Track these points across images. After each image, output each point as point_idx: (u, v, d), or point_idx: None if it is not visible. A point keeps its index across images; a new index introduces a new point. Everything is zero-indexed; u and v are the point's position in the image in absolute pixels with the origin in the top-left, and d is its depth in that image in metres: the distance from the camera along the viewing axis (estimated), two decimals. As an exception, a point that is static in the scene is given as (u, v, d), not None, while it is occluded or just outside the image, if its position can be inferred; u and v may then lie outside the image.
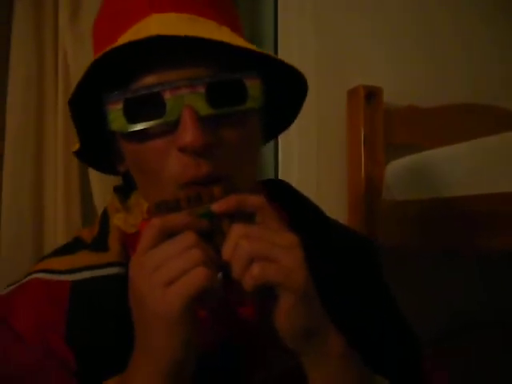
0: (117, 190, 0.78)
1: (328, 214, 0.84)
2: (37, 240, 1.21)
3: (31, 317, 0.64)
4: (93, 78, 0.61)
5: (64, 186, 1.21)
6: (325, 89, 1.36)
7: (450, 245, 1.17)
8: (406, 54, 1.51)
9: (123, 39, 0.59)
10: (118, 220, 0.73)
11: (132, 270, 0.54)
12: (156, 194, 0.62)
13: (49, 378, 0.61)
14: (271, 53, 0.64)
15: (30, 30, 1.23)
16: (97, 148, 0.73)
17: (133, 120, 0.60)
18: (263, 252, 0.53)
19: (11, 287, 0.69)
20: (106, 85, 0.62)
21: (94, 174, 1.21)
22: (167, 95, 0.58)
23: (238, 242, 0.53)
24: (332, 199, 1.35)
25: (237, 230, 0.54)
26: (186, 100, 0.59)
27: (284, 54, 1.39)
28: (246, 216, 0.57)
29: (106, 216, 0.75)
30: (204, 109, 0.59)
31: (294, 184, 0.85)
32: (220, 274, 0.55)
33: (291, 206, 0.80)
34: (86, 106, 0.65)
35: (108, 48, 0.58)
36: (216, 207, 0.56)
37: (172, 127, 0.60)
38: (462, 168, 1.13)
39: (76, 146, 0.73)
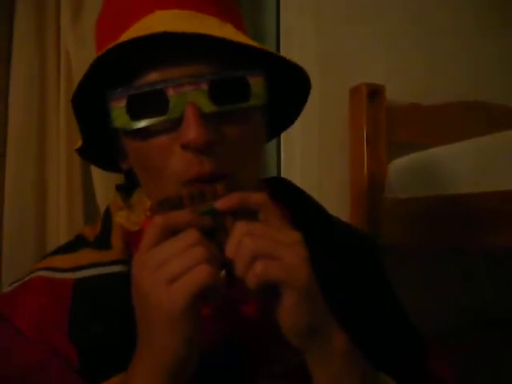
0: (119, 187, 0.78)
1: (330, 211, 0.84)
2: (39, 239, 1.21)
3: (34, 314, 0.64)
4: (96, 76, 0.61)
5: (66, 185, 1.21)
6: (327, 87, 1.35)
7: (452, 242, 1.17)
8: (407, 52, 1.51)
9: (126, 36, 0.59)
10: (120, 218, 0.73)
11: (135, 268, 0.54)
12: (159, 192, 0.62)
13: (50, 377, 0.61)
14: (274, 50, 0.64)
15: (32, 29, 1.23)
16: (99, 145, 0.73)
17: (136, 117, 0.60)
18: (266, 250, 0.53)
19: (14, 285, 0.69)
20: (109, 82, 0.61)
21: (96, 172, 1.21)
22: (170, 92, 0.58)
23: (241, 240, 0.53)
24: (334, 197, 1.35)
25: (240, 228, 0.54)
26: (190, 97, 0.58)
27: (286, 53, 1.38)
28: (249, 213, 0.57)
29: (108, 214, 0.75)
30: (207, 106, 0.59)
31: (297, 182, 0.85)
32: (223, 272, 0.55)
33: (294, 203, 0.80)
34: (88, 104, 0.65)
35: (111, 45, 0.57)
36: (219, 205, 0.56)
37: (175, 124, 0.60)
38: (464, 166, 1.13)
39: (78, 144, 0.73)
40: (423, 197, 1.22)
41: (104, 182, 1.19)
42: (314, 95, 0.73)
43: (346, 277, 0.74)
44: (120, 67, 0.61)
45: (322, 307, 0.57)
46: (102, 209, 0.80)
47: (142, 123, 0.60)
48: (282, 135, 1.30)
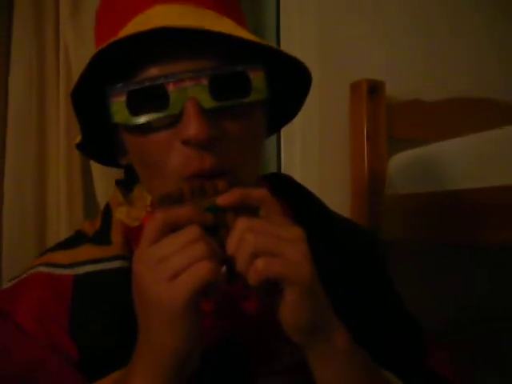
0: (119, 183, 0.78)
1: (330, 207, 0.84)
2: (40, 236, 1.21)
3: (34, 310, 0.64)
4: (95, 71, 0.60)
5: (66, 180, 1.20)
6: (327, 83, 1.35)
7: (453, 238, 1.17)
8: (407, 48, 1.50)
9: (126, 31, 0.58)
10: (120, 214, 0.73)
11: (135, 264, 0.54)
12: (159, 187, 0.62)
13: (50, 373, 0.61)
14: (274, 45, 0.64)
15: (31, 25, 1.23)
16: (99, 141, 0.72)
17: (136, 112, 0.59)
18: (268, 246, 0.52)
19: (13, 281, 0.69)
20: (109, 77, 0.61)
21: (96, 167, 1.20)
22: (170, 87, 0.58)
23: (242, 236, 0.53)
24: (335, 193, 1.35)
25: (241, 224, 0.54)
26: (190, 92, 0.58)
27: (286, 49, 1.37)
28: (250, 210, 0.56)
29: (108, 210, 0.75)
30: (208, 101, 0.59)
31: (297, 178, 0.85)
32: (224, 268, 0.55)
33: (294, 199, 0.79)
34: (88, 99, 0.64)
35: (111, 40, 0.57)
36: (220, 200, 0.56)
37: (175, 120, 0.59)
38: (465, 161, 1.13)
39: (78, 139, 0.72)
40: (423, 192, 1.22)
41: (104, 178, 1.19)
42: (314, 91, 0.73)
43: (346, 273, 0.74)
44: (119, 62, 0.61)
45: (324, 304, 0.57)
46: (102, 204, 0.80)
47: (142, 119, 0.59)
48: (282, 131, 1.30)
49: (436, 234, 1.20)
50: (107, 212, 0.75)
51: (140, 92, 0.59)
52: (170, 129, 0.60)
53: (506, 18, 1.67)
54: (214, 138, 0.58)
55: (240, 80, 0.60)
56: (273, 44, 0.63)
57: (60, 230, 1.20)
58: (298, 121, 0.81)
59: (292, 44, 1.39)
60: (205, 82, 0.58)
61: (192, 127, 0.57)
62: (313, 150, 1.36)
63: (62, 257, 0.69)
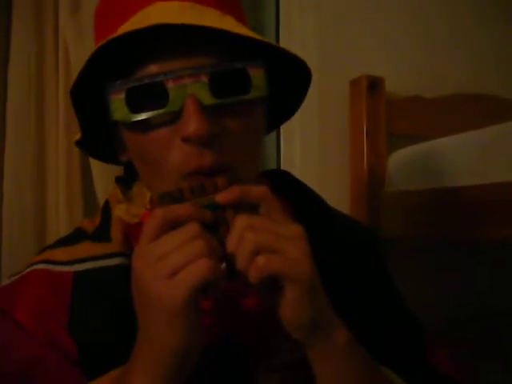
0: (118, 180, 0.78)
1: (330, 204, 0.84)
2: (39, 234, 1.21)
3: (33, 307, 0.64)
4: (94, 68, 0.60)
5: (66, 177, 1.21)
6: (327, 79, 1.35)
7: (453, 235, 1.17)
8: (407, 45, 1.50)
9: (125, 28, 0.58)
10: (119, 211, 0.73)
11: (135, 261, 0.54)
12: (159, 185, 0.62)
13: (49, 370, 0.61)
14: (274, 42, 0.63)
15: (30, 23, 1.23)
16: (98, 138, 0.72)
17: (135, 110, 0.59)
18: (268, 243, 0.52)
19: (13, 278, 0.69)
20: (108, 74, 0.61)
21: (95, 165, 1.20)
22: (170, 84, 0.58)
23: (242, 234, 0.53)
24: (334, 190, 1.35)
25: (241, 221, 0.54)
26: (189, 89, 0.58)
27: (286, 45, 1.38)
28: (250, 207, 0.56)
29: (107, 207, 0.75)
30: (207, 98, 0.58)
31: (296, 175, 0.85)
32: (223, 265, 0.54)
33: (294, 196, 0.79)
34: (87, 96, 0.64)
35: (110, 37, 0.57)
36: (220, 198, 0.55)
37: (175, 117, 0.59)
38: (465, 157, 1.13)
39: (77, 136, 0.72)
40: (424, 189, 1.22)
41: (103, 175, 1.19)
42: (313, 87, 0.72)
43: (346, 270, 0.74)
44: (119, 59, 0.60)
45: (324, 301, 0.57)
46: (102, 201, 0.80)
47: (142, 116, 0.59)
48: (282, 127, 1.30)
49: (436, 231, 1.20)
50: (106, 209, 0.75)
51: (139, 89, 0.59)
52: (170, 126, 0.60)
53: (504, 16, 1.67)
54: (214, 135, 0.58)
55: (240, 77, 0.60)
56: (272, 41, 0.62)
57: (60, 227, 1.21)
58: (297, 117, 0.81)
59: (291, 40, 1.39)
60: (204, 79, 0.58)
61: (192, 124, 0.57)
62: (312, 147, 1.36)
63: (61, 254, 0.69)
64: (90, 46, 0.70)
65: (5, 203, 1.19)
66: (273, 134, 1.39)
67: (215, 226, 0.56)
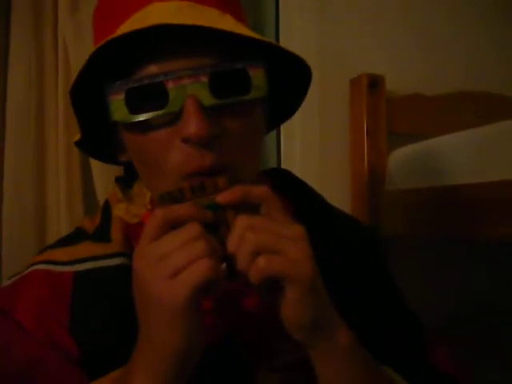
0: (118, 179, 0.78)
1: (331, 203, 0.84)
2: (40, 234, 1.21)
3: (33, 308, 0.64)
4: (94, 69, 0.60)
5: (66, 179, 1.20)
6: (327, 78, 1.35)
7: (453, 233, 1.17)
8: (407, 43, 1.50)
9: (124, 29, 0.58)
10: (119, 210, 0.73)
11: (136, 261, 0.54)
12: (159, 185, 0.61)
13: (49, 371, 0.61)
14: (274, 42, 0.63)
15: (30, 24, 1.22)
16: (98, 138, 0.72)
17: (135, 111, 0.59)
18: (269, 244, 0.52)
19: (13, 278, 0.69)
20: (108, 75, 0.61)
21: (95, 164, 1.20)
22: (170, 85, 0.57)
23: (243, 234, 0.53)
24: (335, 188, 1.35)
25: (242, 222, 0.54)
26: (189, 90, 0.58)
27: (286, 44, 1.38)
28: (250, 207, 0.56)
29: (107, 206, 0.75)
30: (207, 99, 0.58)
31: (297, 173, 0.85)
32: (224, 265, 0.54)
33: (295, 195, 0.79)
34: (87, 97, 0.64)
35: (108, 38, 0.57)
36: (221, 198, 0.55)
37: (175, 117, 0.59)
38: (465, 156, 1.12)
39: (77, 137, 0.72)
40: (424, 187, 1.22)
41: (103, 175, 1.19)
42: (313, 86, 0.72)
43: (347, 269, 0.74)
44: (118, 60, 0.60)
45: (326, 301, 0.57)
46: (102, 201, 0.80)
47: (141, 117, 0.59)
48: (282, 126, 1.30)
49: (436, 229, 1.20)
50: (106, 209, 0.75)
51: (139, 90, 0.58)
52: (170, 127, 0.59)
53: (504, 14, 1.66)
54: (214, 135, 0.58)
55: (240, 77, 0.60)
56: (272, 39, 0.62)
57: (60, 227, 1.20)
58: (297, 116, 0.80)
59: (291, 39, 1.38)
60: (204, 79, 0.58)
61: (192, 125, 0.56)
62: (313, 146, 1.36)
63: (61, 254, 0.69)
64: (89, 45, 0.70)
65: (5, 203, 1.19)
66: (273, 133, 1.38)
67: (216, 226, 0.56)
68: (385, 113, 1.34)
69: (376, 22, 1.46)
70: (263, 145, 0.70)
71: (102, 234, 0.71)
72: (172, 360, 0.52)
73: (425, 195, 1.21)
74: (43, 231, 1.22)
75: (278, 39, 1.42)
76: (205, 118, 0.57)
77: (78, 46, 1.20)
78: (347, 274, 0.73)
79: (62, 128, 1.20)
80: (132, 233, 0.70)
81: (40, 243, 1.18)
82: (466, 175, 1.10)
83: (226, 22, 0.61)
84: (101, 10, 0.67)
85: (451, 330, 1.41)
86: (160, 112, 0.58)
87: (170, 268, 0.50)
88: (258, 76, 0.61)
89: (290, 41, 1.38)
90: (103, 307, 0.64)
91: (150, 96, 0.58)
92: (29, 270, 0.68)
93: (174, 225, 0.53)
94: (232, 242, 0.53)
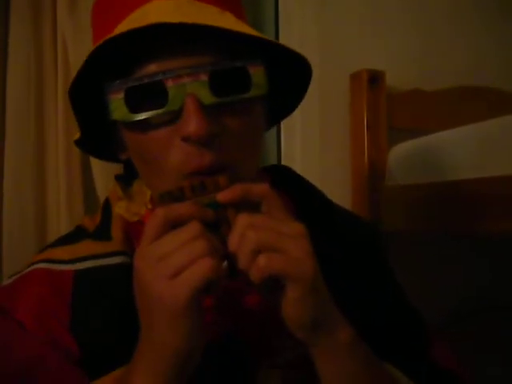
0: (118, 177, 0.77)
1: (331, 199, 0.84)
2: (40, 233, 1.21)
3: (34, 307, 0.64)
4: (93, 67, 0.59)
5: (66, 177, 1.20)
6: (327, 73, 1.35)
7: (453, 228, 1.17)
8: (407, 38, 1.50)
9: (122, 27, 0.57)
10: (119, 208, 0.73)
11: (137, 261, 0.54)
12: (159, 184, 0.61)
13: (50, 370, 0.61)
14: (274, 39, 0.63)
15: (28, 22, 1.22)
16: (98, 137, 0.72)
17: (134, 109, 0.59)
18: (270, 242, 0.52)
19: (13, 277, 0.69)
20: (107, 74, 0.60)
21: (95, 163, 1.20)
22: (169, 83, 0.57)
23: (244, 233, 0.53)
24: (335, 184, 1.35)
25: (243, 220, 0.53)
26: (189, 88, 0.57)
27: (285, 39, 1.38)
28: (251, 205, 0.56)
29: (108, 204, 0.75)
30: (207, 97, 0.58)
31: (297, 169, 0.85)
32: (225, 263, 0.54)
33: (295, 191, 0.79)
34: (86, 96, 0.64)
35: (107, 37, 0.56)
36: (221, 197, 0.55)
37: (175, 116, 0.58)
38: (465, 151, 1.12)
39: (77, 135, 0.72)
40: (424, 183, 1.22)
41: (104, 173, 1.19)
42: (314, 81, 0.72)
43: (348, 264, 0.74)
44: (118, 58, 0.60)
45: (327, 299, 0.57)
46: (102, 199, 0.80)
47: (141, 115, 0.59)
48: (282, 122, 1.29)
49: (436, 225, 1.20)
50: (107, 207, 0.74)
51: (138, 89, 0.58)
52: (170, 125, 0.59)
53: (504, 8, 1.66)
54: (214, 134, 0.57)
55: (240, 75, 0.59)
56: (272, 34, 0.62)
57: (60, 227, 1.20)
58: (298, 112, 0.80)
59: (291, 33, 1.38)
60: (204, 77, 0.58)
61: (192, 124, 0.56)
62: (313, 141, 1.36)
63: (61, 252, 0.69)
64: (88, 42, 0.70)
65: (5, 203, 1.19)
66: (273, 129, 1.38)
67: (216, 225, 0.55)
68: (385, 108, 1.34)
69: (376, 17, 1.45)
70: (263, 142, 0.69)
71: (102, 232, 0.71)
72: (172, 360, 0.52)
73: (425, 190, 1.21)
74: (43, 231, 1.22)
75: (277, 34, 1.42)
76: (204, 116, 0.57)
77: (77, 43, 1.20)
78: (348, 269, 0.73)
79: (62, 127, 1.20)
80: (132, 231, 0.70)
81: (40, 243, 1.18)
82: (467, 170, 1.10)
83: (226, 20, 0.60)
84: (99, 7, 0.67)
85: (452, 325, 1.41)
86: (160, 111, 0.58)
87: (171, 268, 0.50)
88: (258, 74, 0.60)
89: (289, 36, 1.38)
90: (104, 306, 0.64)
91: (149, 95, 0.58)
92: (29, 268, 0.68)
93: (174, 224, 0.53)
94: (233, 241, 0.53)
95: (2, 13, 1.23)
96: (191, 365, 0.54)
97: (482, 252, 1.47)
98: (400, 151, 1.32)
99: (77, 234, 0.73)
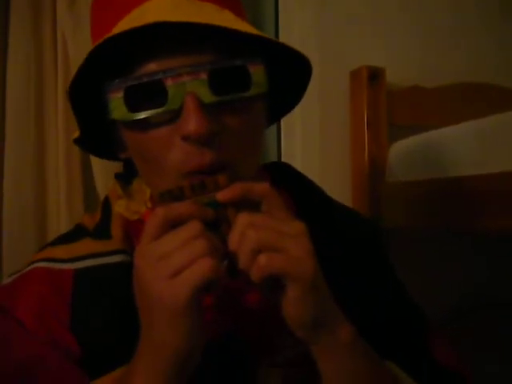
0: (118, 176, 0.77)
1: (332, 196, 0.84)
2: (40, 231, 1.21)
3: (34, 306, 0.64)
4: (92, 67, 0.59)
5: (66, 176, 1.21)
6: (327, 70, 1.35)
7: (454, 225, 1.17)
8: (407, 35, 1.49)
9: (122, 26, 0.57)
10: (119, 207, 0.73)
11: (137, 260, 0.54)
12: (159, 183, 0.61)
13: (50, 369, 0.61)
14: (274, 37, 0.63)
15: (28, 20, 1.22)
16: (97, 136, 0.71)
17: (134, 109, 0.58)
18: (270, 241, 0.52)
19: (13, 276, 0.69)
20: (106, 73, 0.60)
21: (95, 161, 1.20)
22: (169, 82, 0.57)
23: (244, 232, 0.52)
24: (335, 181, 1.35)
25: (243, 219, 0.53)
26: (189, 87, 0.57)
27: (285, 36, 1.38)
28: (251, 204, 0.56)
29: (107, 203, 0.75)
30: (207, 96, 0.57)
31: (297, 167, 0.85)
32: (225, 263, 0.54)
33: (295, 188, 0.79)
34: (85, 95, 0.63)
35: (106, 36, 0.56)
36: (221, 196, 0.55)
37: (175, 115, 0.58)
38: (466, 147, 1.12)
39: (76, 134, 0.72)
40: (425, 180, 1.21)
41: (104, 171, 1.19)
42: (313, 79, 0.71)
43: (348, 261, 0.74)
44: (117, 57, 0.60)
45: (327, 298, 0.57)
46: (102, 197, 0.80)
47: (141, 115, 0.58)
48: (283, 120, 1.29)
49: (437, 221, 1.20)
50: (106, 205, 0.74)
51: (138, 88, 0.58)
52: (170, 124, 0.59)
53: (504, 6, 1.65)
54: (214, 132, 0.57)
55: (240, 74, 0.59)
56: (272, 32, 0.62)
57: (60, 226, 1.20)
58: (297, 109, 0.80)
59: (291, 31, 1.38)
60: (204, 76, 0.57)
61: (192, 122, 0.56)
62: (313, 138, 1.36)
63: (61, 251, 0.69)
64: (88, 41, 0.70)
65: (5, 203, 1.19)
66: (273, 126, 1.37)
67: (216, 224, 0.55)
68: (385, 105, 1.34)
69: (376, 14, 1.45)
70: (263, 140, 0.69)
71: (102, 230, 0.71)
72: (172, 359, 0.52)
73: (426, 187, 1.20)
74: (43, 230, 1.22)
75: (277, 31, 1.42)
76: (204, 115, 0.56)
77: (77, 40, 1.20)
78: (348, 266, 0.73)
79: (62, 127, 1.20)
80: (132, 229, 0.70)
81: (40, 242, 1.18)
82: (467, 167, 1.10)
83: (225, 18, 0.60)
84: (98, 4, 0.66)
85: (451, 321, 1.41)
86: (159, 110, 0.58)
87: (171, 268, 0.50)
88: (257, 73, 0.60)
89: (289, 32, 1.37)
90: (104, 305, 0.64)
91: (149, 94, 0.58)
92: (29, 267, 0.68)
93: (174, 223, 0.53)
94: (233, 240, 0.53)
95: (1, 12, 1.23)
96: (191, 364, 0.54)
97: (481, 248, 1.47)
98: (400, 148, 1.32)
99: (76, 233, 0.73)
